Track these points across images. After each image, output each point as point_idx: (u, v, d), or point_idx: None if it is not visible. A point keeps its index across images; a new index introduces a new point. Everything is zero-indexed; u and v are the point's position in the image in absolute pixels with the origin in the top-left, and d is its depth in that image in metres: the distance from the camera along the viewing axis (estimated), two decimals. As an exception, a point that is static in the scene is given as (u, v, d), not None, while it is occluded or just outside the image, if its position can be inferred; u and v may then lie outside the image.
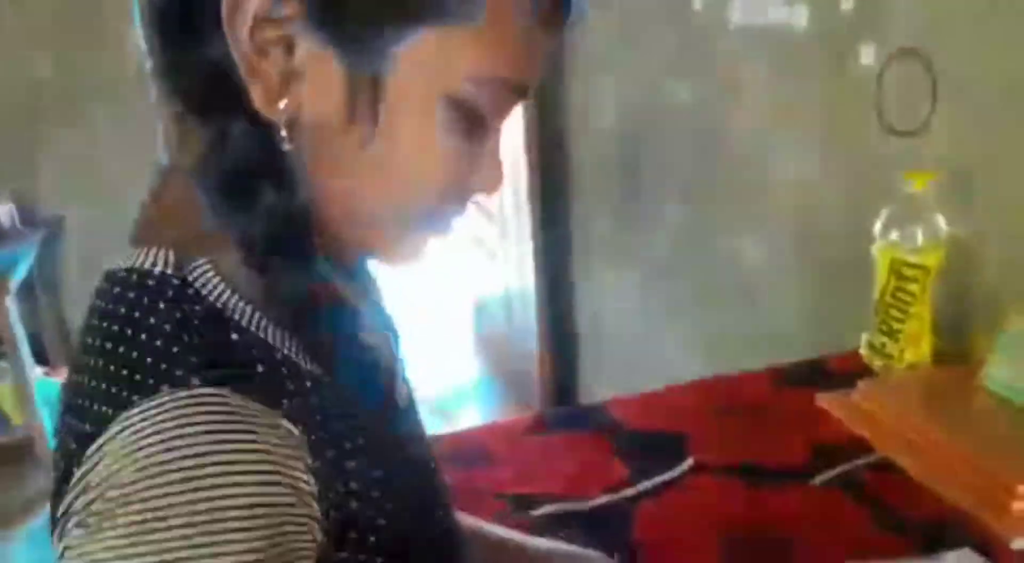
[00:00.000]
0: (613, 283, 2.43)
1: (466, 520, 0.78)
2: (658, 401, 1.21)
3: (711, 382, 1.25)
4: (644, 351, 2.24)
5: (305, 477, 0.46)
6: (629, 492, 0.99)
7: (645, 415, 1.16)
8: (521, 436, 1.13)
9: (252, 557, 0.41)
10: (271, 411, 0.46)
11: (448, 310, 3.66)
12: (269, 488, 0.44)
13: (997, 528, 0.88)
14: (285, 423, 0.46)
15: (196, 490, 0.41)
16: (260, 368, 0.47)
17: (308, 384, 0.50)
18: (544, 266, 2.70)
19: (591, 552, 0.79)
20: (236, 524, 0.41)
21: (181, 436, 0.42)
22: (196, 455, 0.42)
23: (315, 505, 0.46)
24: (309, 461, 0.47)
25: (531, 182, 2.60)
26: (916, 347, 1.16)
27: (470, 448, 1.10)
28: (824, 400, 1.14)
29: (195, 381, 0.44)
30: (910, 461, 1.00)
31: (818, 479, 0.99)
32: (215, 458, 0.42)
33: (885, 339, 1.18)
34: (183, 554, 0.40)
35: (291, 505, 0.45)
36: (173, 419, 0.43)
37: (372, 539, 0.50)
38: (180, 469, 0.42)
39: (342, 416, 0.51)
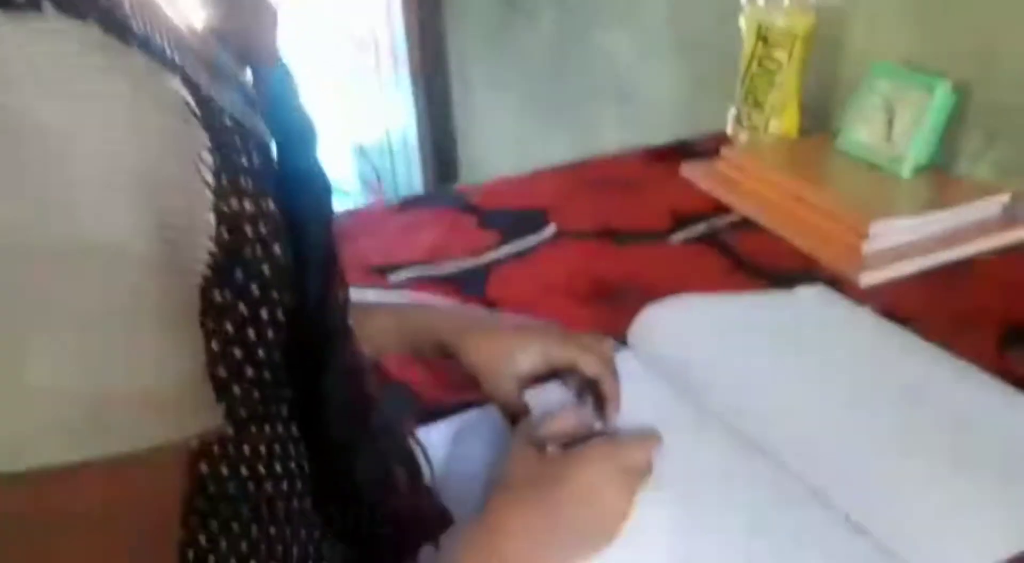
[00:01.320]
0: (492, 107, 2.36)
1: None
2: (524, 183, 1.18)
3: (579, 164, 1.22)
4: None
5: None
6: (490, 256, 0.97)
7: (511, 195, 1.13)
8: (384, 216, 1.09)
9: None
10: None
11: (328, 155, 3.53)
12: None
13: (848, 268, 0.90)
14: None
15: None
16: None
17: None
18: (425, 105, 2.60)
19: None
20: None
21: None
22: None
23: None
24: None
25: (407, 18, 2.47)
26: (781, 118, 1.16)
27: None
28: (688, 169, 1.14)
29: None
30: (768, 217, 1.01)
31: (678, 236, 0.99)
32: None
33: (750, 110, 1.17)
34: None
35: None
36: None
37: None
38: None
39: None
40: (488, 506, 0.55)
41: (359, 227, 1.05)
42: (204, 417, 0.35)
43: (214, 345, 0.39)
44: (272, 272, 0.41)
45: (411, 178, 2.84)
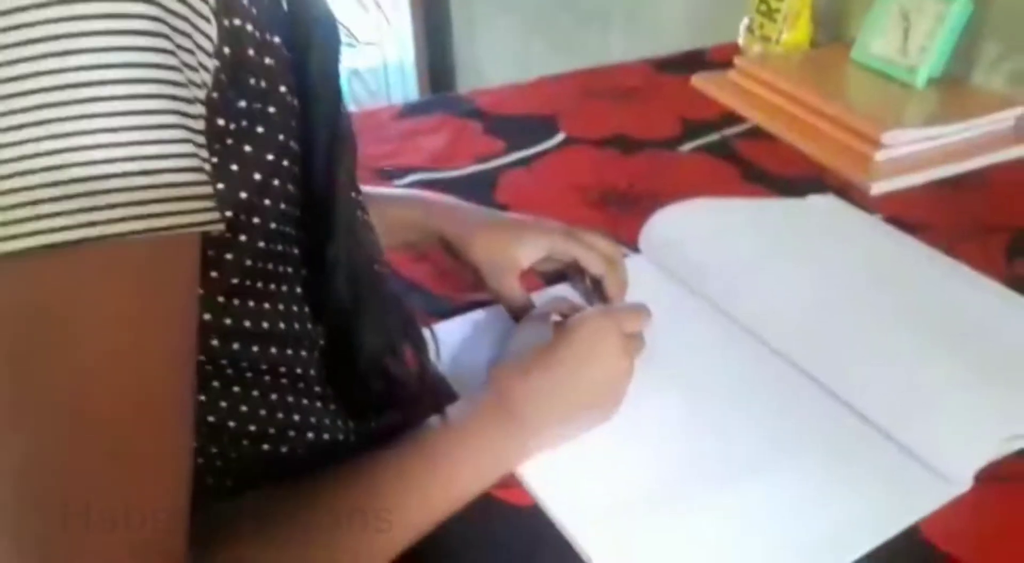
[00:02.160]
0: (494, 30, 2.31)
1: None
2: (530, 90, 1.15)
3: (586, 72, 1.20)
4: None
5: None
6: (498, 161, 0.96)
7: (517, 101, 1.11)
8: (388, 121, 1.07)
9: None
10: None
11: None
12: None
13: (859, 177, 0.89)
14: None
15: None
16: None
17: None
18: (424, 27, 2.54)
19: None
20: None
21: None
22: None
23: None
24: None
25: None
26: (794, 28, 1.13)
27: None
28: (699, 80, 1.12)
29: None
30: (780, 127, 1.00)
31: (687, 145, 0.98)
32: None
33: (763, 19, 1.14)
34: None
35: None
36: None
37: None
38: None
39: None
40: (492, 375, 0.56)
41: (362, 131, 1.03)
42: (204, 213, 0.33)
43: (216, 161, 0.38)
44: (278, 111, 0.41)
45: (408, 99, 2.79)
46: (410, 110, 1.09)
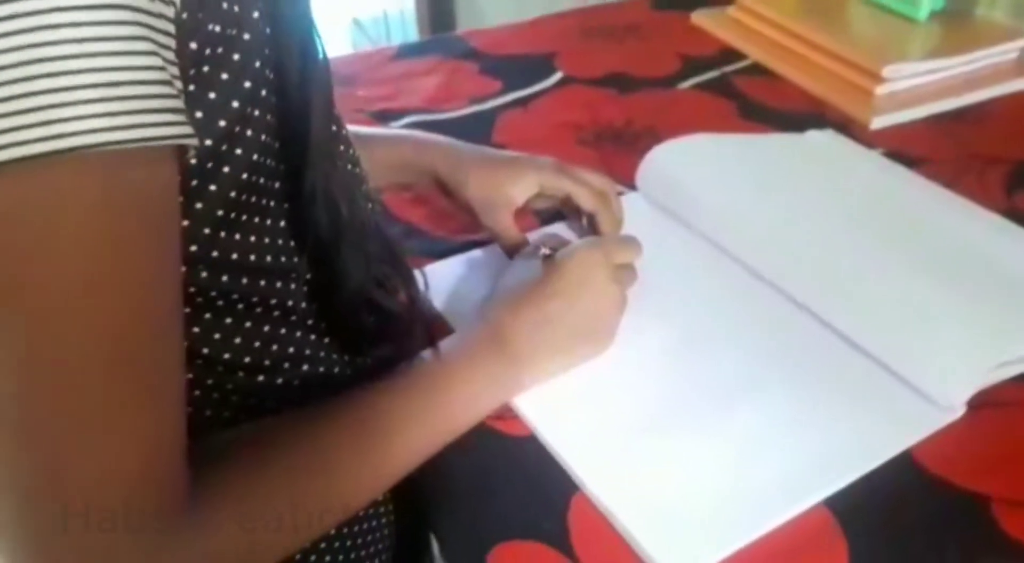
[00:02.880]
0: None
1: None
2: (527, 29, 1.14)
3: (584, 10, 1.18)
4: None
5: None
6: (495, 102, 0.95)
7: (513, 41, 1.09)
8: (384, 63, 1.06)
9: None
10: None
11: (324, 30, 3.40)
12: None
13: (860, 112, 0.89)
14: None
15: None
16: None
17: None
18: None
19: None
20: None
21: None
22: None
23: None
24: None
25: None
26: (795, -38, 1.11)
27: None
28: (699, 17, 1.10)
29: None
30: (780, 63, 0.98)
31: (686, 83, 0.97)
32: None
33: (764, -46, 1.12)
34: None
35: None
36: None
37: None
38: None
39: None
40: (483, 310, 0.57)
41: (356, 73, 1.02)
42: (174, 126, 0.33)
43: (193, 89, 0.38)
44: (252, 38, 0.40)
45: (406, 35, 2.76)
46: (405, 52, 1.08)
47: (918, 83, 0.92)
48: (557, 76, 1.00)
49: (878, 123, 0.87)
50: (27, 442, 0.33)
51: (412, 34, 2.73)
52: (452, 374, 0.53)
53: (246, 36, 0.40)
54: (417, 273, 0.56)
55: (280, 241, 0.47)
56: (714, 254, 0.69)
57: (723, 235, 0.70)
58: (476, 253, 0.71)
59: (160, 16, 0.33)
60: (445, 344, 0.54)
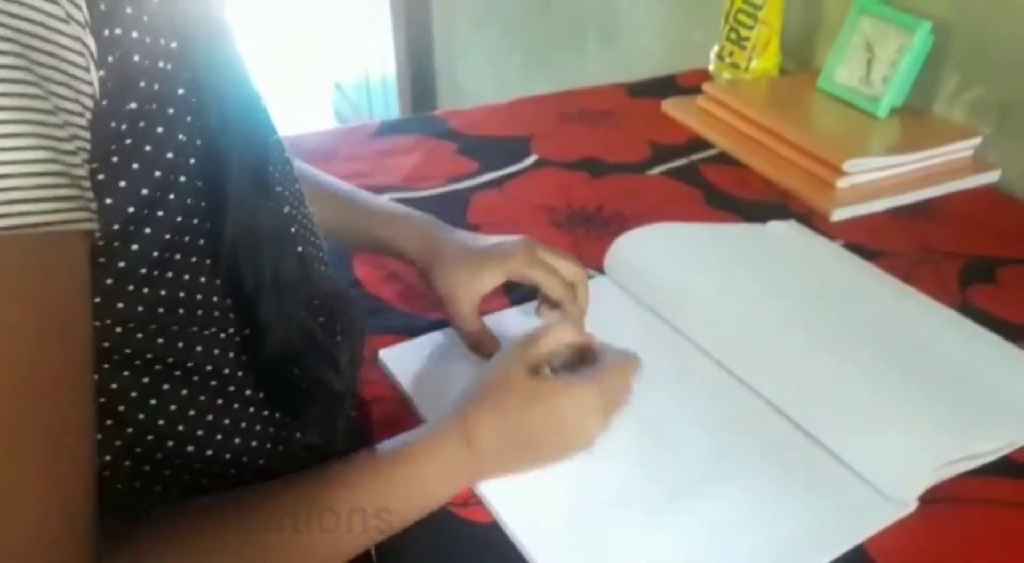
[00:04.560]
0: (474, 45, 2.33)
1: (305, 173, 0.74)
2: (503, 111, 1.17)
3: (558, 95, 1.22)
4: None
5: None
6: (470, 182, 0.97)
7: (490, 123, 1.13)
8: (365, 139, 1.09)
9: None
10: None
11: (307, 93, 3.47)
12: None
13: (822, 204, 0.92)
14: None
15: None
16: None
17: None
18: (405, 41, 2.56)
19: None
20: None
21: None
22: None
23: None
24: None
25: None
26: (763, 56, 1.16)
27: (310, 146, 1.05)
28: (669, 105, 1.14)
29: None
30: (746, 153, 1.02)
31: (655, 169, 1.00)
32: None
33: (733, 47, 1.17)
34: None
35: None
36: None
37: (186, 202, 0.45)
38: None
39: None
40: (465, 406, 0.57)
41: (337, 148, 1.05)
42: (65, 213, 0.36)
43: (117, 161, 0.41)
44: (177, 112, 0.44)
45: (389, 115, 2.81)
46: (386, 129, 1.11)
47: (878, 177, 0.95)
48: (532, 159, 1.03)
49: (839, 215, 0.91)
50: None
51: (393, 100, 2.79)
52: (411, 455, 0.54)
53: (170, 110, 0.43)
54: (383, 352, 0.57)
55: (211, 296, 0.48)
56: (677, 340, 0.71)
57: (686, 322, 0.72)
58: (439, 334, 0.72)
59: (60, 125, 0.36)
60: (415, 431, 0.56)
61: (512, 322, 0.72)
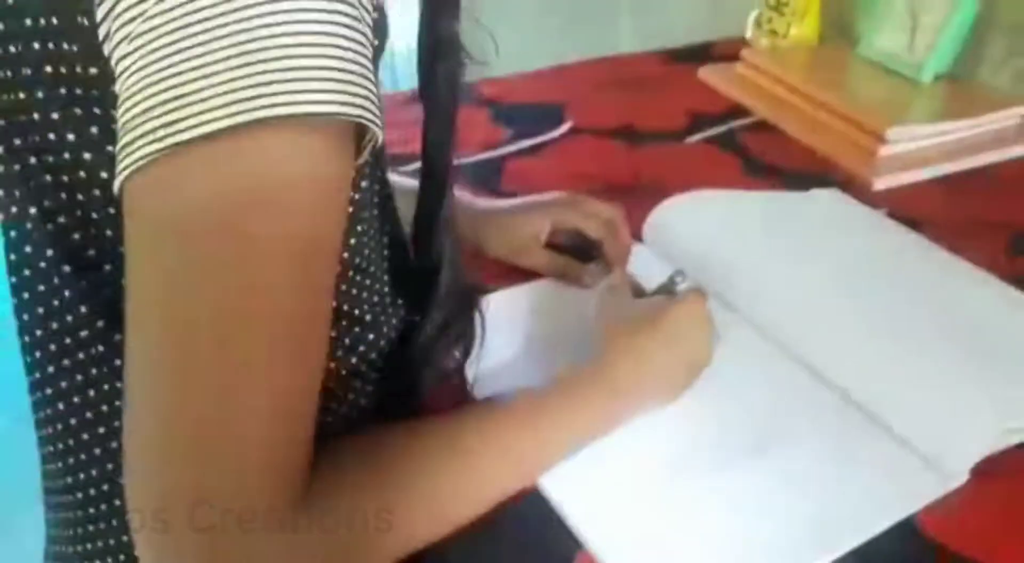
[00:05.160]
0: (505, 9, 2.30)
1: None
2: (536, 78, 1.16)
3: (594, 62, 1.20)
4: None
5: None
6: (505, 150, 0.96)
7: (525, 90, 1.11)
8: (400, 105, 1.07)
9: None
10: None
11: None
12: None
13: (863, 172, 0.90)
14: None
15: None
16: None
17: None
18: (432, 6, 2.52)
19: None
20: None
21: None
22: None
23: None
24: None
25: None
26: (802, 23, 1.14)
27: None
28: (707, 72, 1.12)
29: None
30: (786, 121, 1.00)
31: (693, 137, 0.99)
32: None
33: (772, 14, 1.14)
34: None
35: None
36: None
37: None
38: None
39: None
40: (609, 342, 0.58)
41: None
42: (361, 109, 0.37)
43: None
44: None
45: (415, 83, 2.78)
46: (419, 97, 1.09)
47: (921, 145, 0.93)
48: (567, 125, 1.01)
49: (881, 183, 0.89)
50: (182, 386, 0.36)
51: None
52: (551, 402, 0.55)
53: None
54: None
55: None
56: (718, 311, 0.70)
57: (728, 292, 0.71)
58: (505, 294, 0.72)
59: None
60: (559, 376, 0.57)
61: (525, 298, 0.72)
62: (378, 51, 0.46)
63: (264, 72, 0.34)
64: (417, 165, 0.92)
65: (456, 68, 0.52)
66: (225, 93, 0.34)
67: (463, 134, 1.00)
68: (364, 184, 0.47)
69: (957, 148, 0.94)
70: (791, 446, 0.58)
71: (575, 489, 0.54)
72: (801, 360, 0.64)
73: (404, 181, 0.75)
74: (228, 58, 0.34)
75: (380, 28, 0.46)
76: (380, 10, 0.47)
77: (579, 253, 0.74)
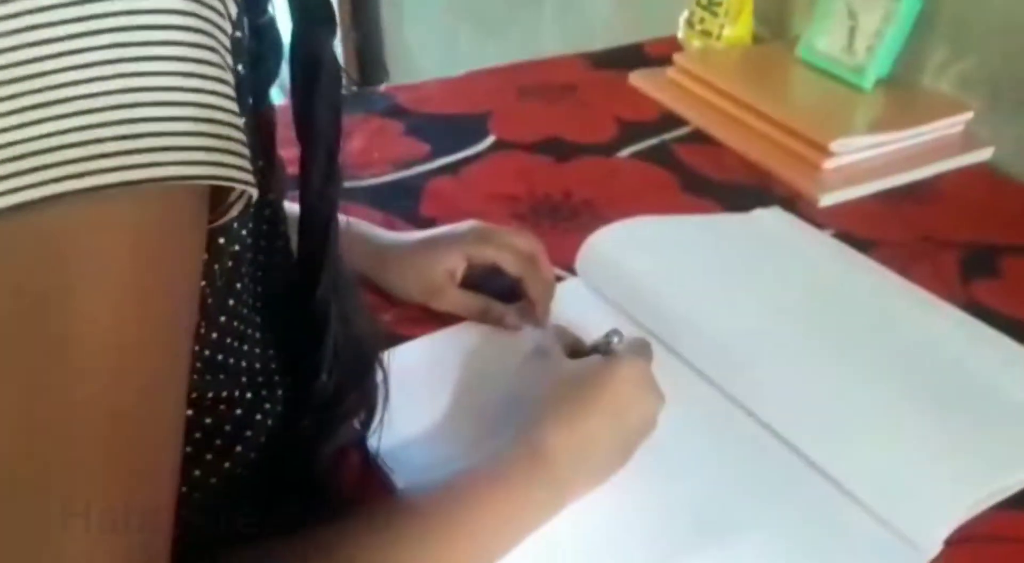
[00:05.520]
0: (422, 7, 2.21)
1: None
2: (456, 85, 1.07)
3: (516, 66, 1.12)
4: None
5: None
6: (422, 168, 0.88)
7: (442, 98, 1.03)
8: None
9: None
10: None
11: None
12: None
13: (808, 188, 0.84)
14: None
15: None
16: None
17: None
18: (350, 5, 2.42)
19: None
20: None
21: None
22: None
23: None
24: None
25: None
26: (736, 23, 1.07)
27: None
28: (637, 78, 1.05)
29: None
30: (722, 131, 0.94)
31: (625, 151, 0.92)
32: None
33: (704, 13, 1.08)
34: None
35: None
36: None
37: None
38: None
39: None
40: (527, 425, 0.50)
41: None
42: (215, 166, 0.30)
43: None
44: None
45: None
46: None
47: (865, 157, 0.88)
48: (490, 140, 0.93)
49: (827, 200, 0.83)
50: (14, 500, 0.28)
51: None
52: (488, 497, 0.46)
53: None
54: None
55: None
56: (661, 353, 0.63)
57: (670, 332, 0.64)
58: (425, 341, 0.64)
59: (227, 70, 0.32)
60: (472, 465, 0.48)
61: (438, 347, 0.64)
62: (267, 74, 0.40)
63: (65, 132, 0.26)
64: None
65: (335, 88, 0.42)
66: (28, 156, 0.26)
67: (377, 150, 0.92)
68: (226, 241, 0.38)
69: (903, 158, 0.89)
70: (748, 521, 0.51)
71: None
72: (753, 414, 0.58)
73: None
74: (25, 109, 0.26)
75: (272, 46, 0.40)
76: (263, 29, 0.39)
77: (500, 293, 0.66)
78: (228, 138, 0.30)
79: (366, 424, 0.49)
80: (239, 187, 0.31)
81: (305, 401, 0.45)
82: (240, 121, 0.31)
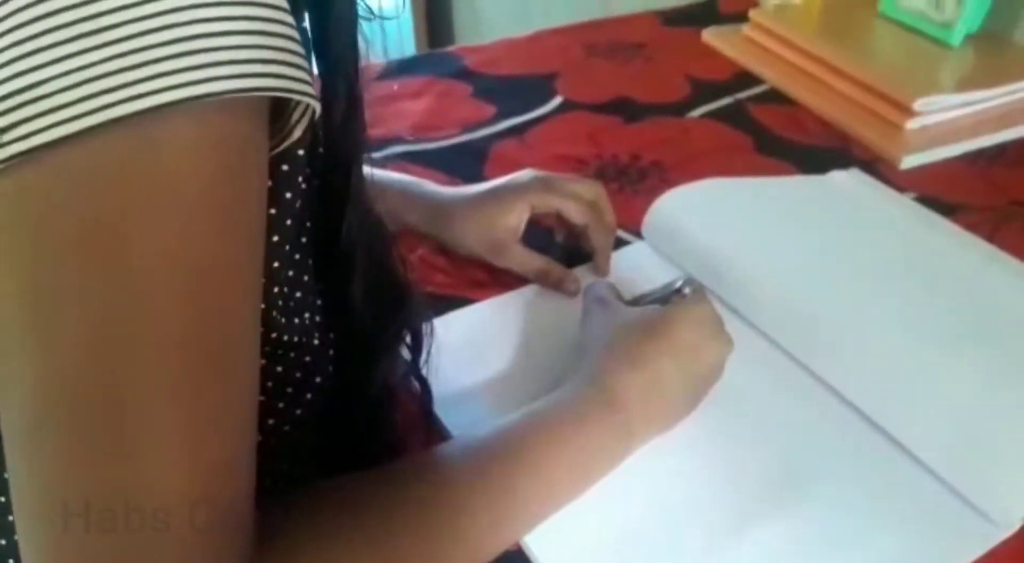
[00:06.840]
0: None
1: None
2: (522, 46, 1.05)
3: (584, 25, 1.09)
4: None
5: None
6: (489, 130, 0.87)
7: (510, 60, 1.01)
8: (368, 82, 0.98)
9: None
10: None
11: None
12: None
13: (888, 149, 0.81)
14: None
15: None
16: None
17: None
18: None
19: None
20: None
21: None
22: None
23: None
24: None
25: None
26: (816, -23, 1.03)
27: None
28: (711, 35, 1.02)
29: None
30: (800, 89, 0.90)
31: (696, 111, 0.89)
32: None
33: (782, -33, 1.04)
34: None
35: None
36: None
37: None
38: None
39: None
40: (598, 367, 0.49)
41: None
42: (273, 78, 0.29)
43: None
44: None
45: (402, 44, 2.67)
46: (392, 70, 0.99)
47: (951, 117, 0.84)
48: (557, 101, 0.91)
49: (909, 162, 0.79)
50: (73, 426, 0.28)
51: (406, 24, 2.63)
52: (561, 442, 0.46)
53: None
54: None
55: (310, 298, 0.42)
56: (730, 319, 0.61)
57: (737, 299, 0.62)
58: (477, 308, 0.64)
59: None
60: (543, 409, 0.47)
61: (514, 305, 0.64)
62: None
63: (123, 55, 0.26)
64: (392, 150, 0.84)
65: (350, 7, 0.40)
66: (86, 82, 0.26)
67: (443, 113, 0.92)
68: (286, 169, 0.36)
69: (990, 119, 0.84)
70: (822, 494, 0.49)
71: (563, 551, 0.46)
72: (825, 381, 0.56)
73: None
74: (80, 37, 0.26)
75: None
76: None
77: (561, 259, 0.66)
78: (285, 50, 0.29)
79: (415, 356, 0.49)
80: (298, 98, 0.30)
81: (345, 335, 0.44)
82: (296, 34, 0.30)
